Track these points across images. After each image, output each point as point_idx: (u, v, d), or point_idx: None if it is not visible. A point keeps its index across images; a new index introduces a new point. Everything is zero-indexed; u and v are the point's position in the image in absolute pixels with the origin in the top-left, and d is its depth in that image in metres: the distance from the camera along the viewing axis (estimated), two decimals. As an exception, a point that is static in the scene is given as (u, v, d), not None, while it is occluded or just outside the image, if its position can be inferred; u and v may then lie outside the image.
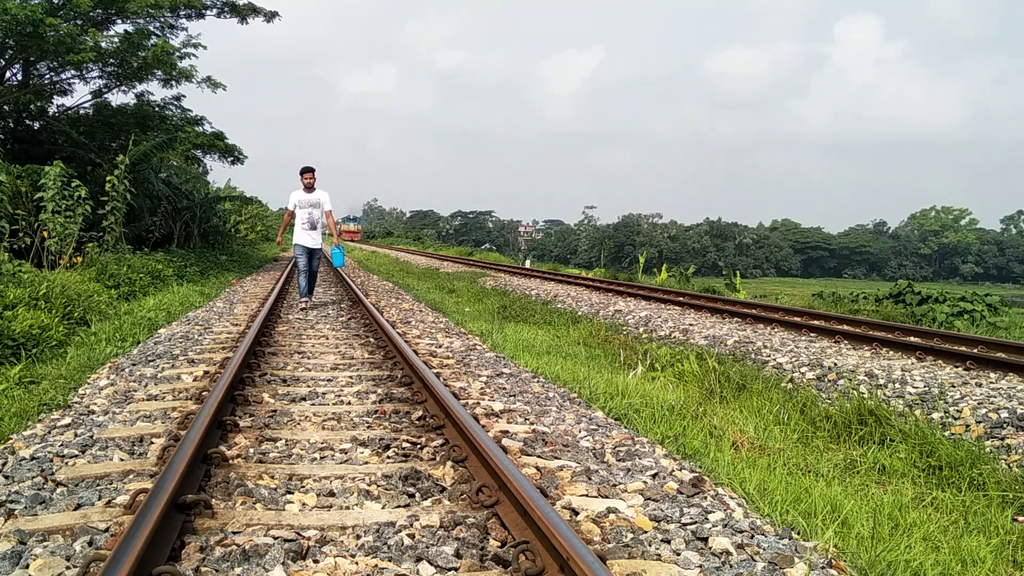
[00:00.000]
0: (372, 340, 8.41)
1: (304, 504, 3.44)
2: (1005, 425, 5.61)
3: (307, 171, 11.11)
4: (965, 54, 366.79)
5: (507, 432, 4.62)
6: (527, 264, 33.58)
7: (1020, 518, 4.17)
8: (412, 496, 3.58)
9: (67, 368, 6.42)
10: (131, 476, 3.68)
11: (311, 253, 11.46)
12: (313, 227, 11.22)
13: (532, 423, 4.92)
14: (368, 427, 4.77)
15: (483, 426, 4.63)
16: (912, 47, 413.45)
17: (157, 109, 22.27)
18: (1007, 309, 16.04)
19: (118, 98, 27.16)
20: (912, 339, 9.43)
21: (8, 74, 18.96)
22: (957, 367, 7.65)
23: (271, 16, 23.29)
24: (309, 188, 11.13)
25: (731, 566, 2.89)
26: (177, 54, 19.87)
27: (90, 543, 2.90)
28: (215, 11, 22.54)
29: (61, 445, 4.16)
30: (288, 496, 3.50)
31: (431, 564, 2.83)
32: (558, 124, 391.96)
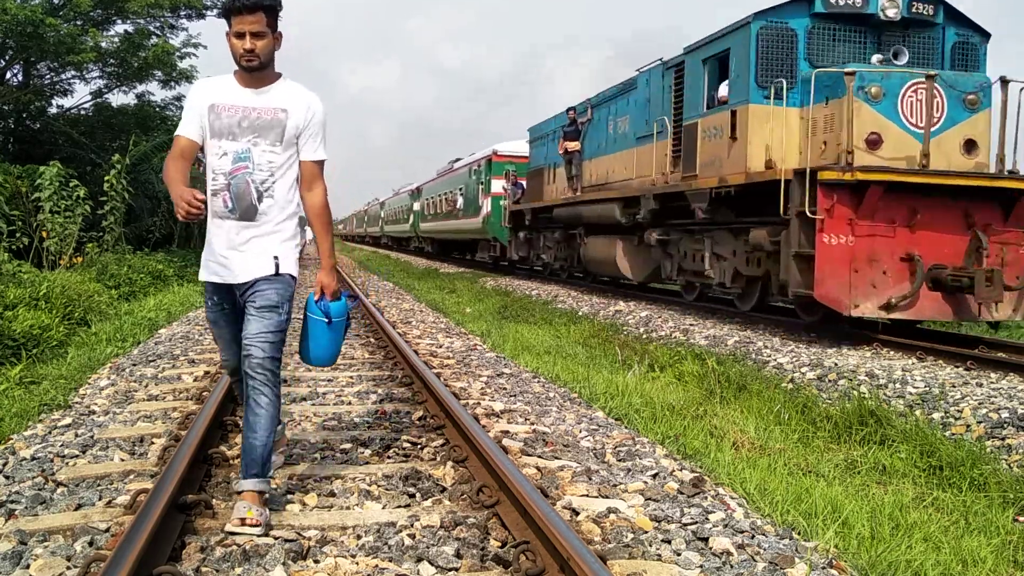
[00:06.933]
0: (372, 340, 8.41)
1: (304, 504, 3.44)
2: (1006, 425, 5.61)
3: (247, 7, 2.97)
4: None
5: (507, 432, 4.62)
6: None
7: (1021, 518, 4.17)
8: (412, 496, 3.58)
9: (68, 368, 6.41)
10: (132, 476, 3.68)
11: (244, 311, 3.22)
12: (243, 212, 3.13)
13: (532, 423, 4.92)
14: (368, 427, 4.76)
15: (483, 426, 4.63)
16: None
17: (158, 109, 22.27)
18: (1007, 309, 16.01)
19: (118, 98, 27.11)
20: (912, 339, 9.42)
21: (8, 74, 18.98)
22: (958, 367, 7.63)
23: (271, 16, 23.27)
24: (253, 67, 3.08)
25: (732, 566, 2.89)
26: (177, 54, 19.88)
27: (91, 543, 2.90)
28: (216, 11, 22.53)
29: (62, 445, 4.16)
30: (288, 496, 3.51)
31: (431, 564, 2.83)
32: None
